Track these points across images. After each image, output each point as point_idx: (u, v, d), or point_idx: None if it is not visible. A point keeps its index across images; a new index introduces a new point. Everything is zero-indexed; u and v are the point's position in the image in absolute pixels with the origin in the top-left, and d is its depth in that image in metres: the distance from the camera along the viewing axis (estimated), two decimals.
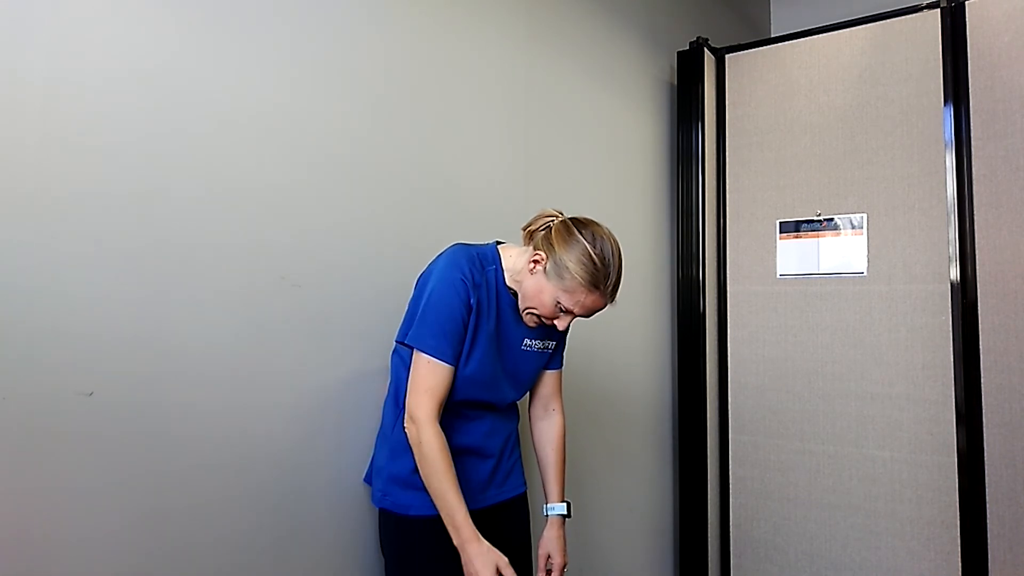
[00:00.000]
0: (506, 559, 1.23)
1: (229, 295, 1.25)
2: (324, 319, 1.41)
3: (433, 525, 1.28)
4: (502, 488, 1.44)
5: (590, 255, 1.26)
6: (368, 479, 1.44)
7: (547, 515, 1.50)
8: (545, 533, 1.49)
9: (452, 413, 1.34)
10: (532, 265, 1.30)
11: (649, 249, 2.46)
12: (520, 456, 1.53)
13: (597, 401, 2.18)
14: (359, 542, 1.46)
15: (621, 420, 2.28)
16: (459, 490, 1.23)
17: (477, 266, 1.33)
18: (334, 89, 1.45)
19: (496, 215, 1.81)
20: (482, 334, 1.32)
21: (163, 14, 1.18)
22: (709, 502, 2.36)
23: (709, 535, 2.36)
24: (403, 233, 1.57)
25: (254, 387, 1.29)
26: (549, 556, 1.47)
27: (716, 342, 2.46)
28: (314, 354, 1.39)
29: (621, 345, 2.29)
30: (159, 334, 1.16)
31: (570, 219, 1.33)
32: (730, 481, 2.41)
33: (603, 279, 1.27)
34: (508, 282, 1.37)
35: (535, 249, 1.31)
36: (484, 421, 1.40)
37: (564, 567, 1.47)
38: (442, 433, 1.25)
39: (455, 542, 1.23)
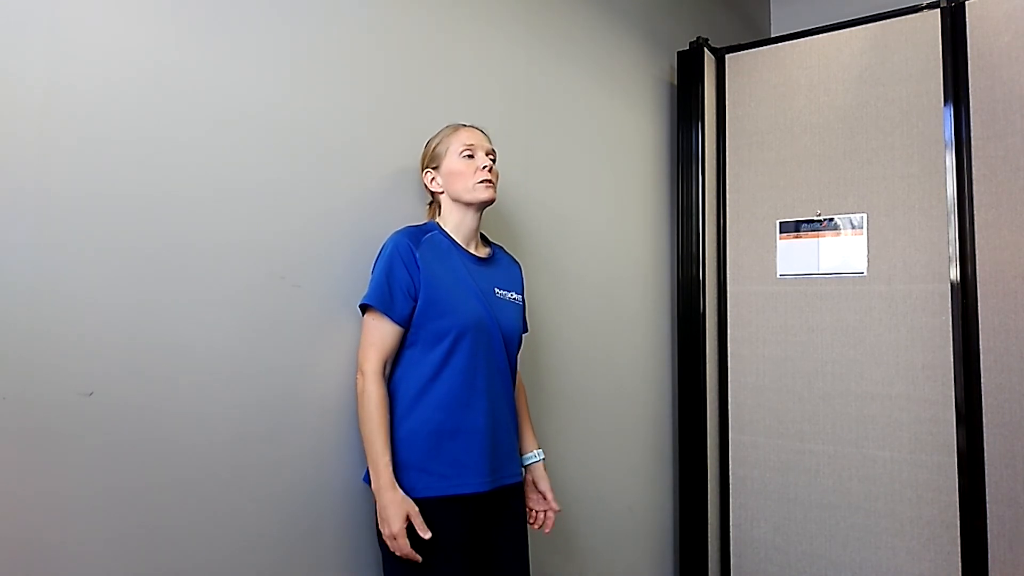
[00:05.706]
0: (416, 508, 1.32)
1: (229, 295, 1.26)
2: (324, 319, 1.41)
3: (426, 508, 1.33)
4: (503, 473, 1.47)
5: (434, 136, 1.55)
6: (367, 479, 1.44)
7: (528, 464, 1.62)
8: (532, 474, 1.62)
9: (455, 386, 1.39)
10: (431, 183, 1.52)
11: (649, 249, 2.46)
12: (517, 445, 1.56)
13: (597, 401, 2.18)
14: (359, 542, 1.46)
15: (621, 420, 2.28)
16: (388, 440, 1.36)
17: (418, 231, 1.48)
18: (334, 89, 1.46)
19: (496, 214, 1.81)
20: (443, 275, 1.43)
21: (161, 14, 1.19)
22: (709, 502, 2.36)
23: (709, 535, 2.36)
24: None
25: (254, 387, 1.29)
26: (541, 491, 1.61)
27: (716, 342, 2.46)
28: (314, 354, 1.39)
29: (621, 345, 2.29)
30: (159, 334, 1.16)
31: None
32: (730, 481, 2.41)
33: (455, 124, 1.55)
34: (454, 235, 1.50)
35: (426, 182, 1.54)
36: (488, 400, 1.44)
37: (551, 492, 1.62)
38: (384, 387, 1.38)
39: (373, 486, 1.34)
